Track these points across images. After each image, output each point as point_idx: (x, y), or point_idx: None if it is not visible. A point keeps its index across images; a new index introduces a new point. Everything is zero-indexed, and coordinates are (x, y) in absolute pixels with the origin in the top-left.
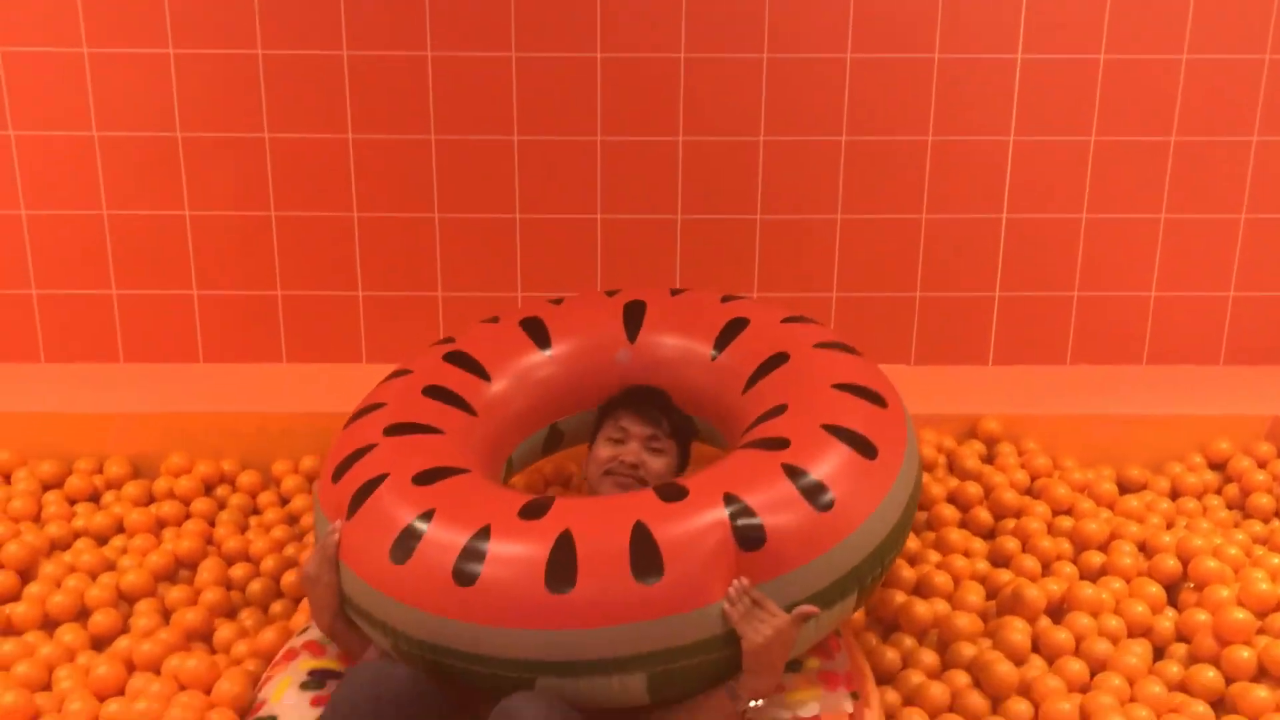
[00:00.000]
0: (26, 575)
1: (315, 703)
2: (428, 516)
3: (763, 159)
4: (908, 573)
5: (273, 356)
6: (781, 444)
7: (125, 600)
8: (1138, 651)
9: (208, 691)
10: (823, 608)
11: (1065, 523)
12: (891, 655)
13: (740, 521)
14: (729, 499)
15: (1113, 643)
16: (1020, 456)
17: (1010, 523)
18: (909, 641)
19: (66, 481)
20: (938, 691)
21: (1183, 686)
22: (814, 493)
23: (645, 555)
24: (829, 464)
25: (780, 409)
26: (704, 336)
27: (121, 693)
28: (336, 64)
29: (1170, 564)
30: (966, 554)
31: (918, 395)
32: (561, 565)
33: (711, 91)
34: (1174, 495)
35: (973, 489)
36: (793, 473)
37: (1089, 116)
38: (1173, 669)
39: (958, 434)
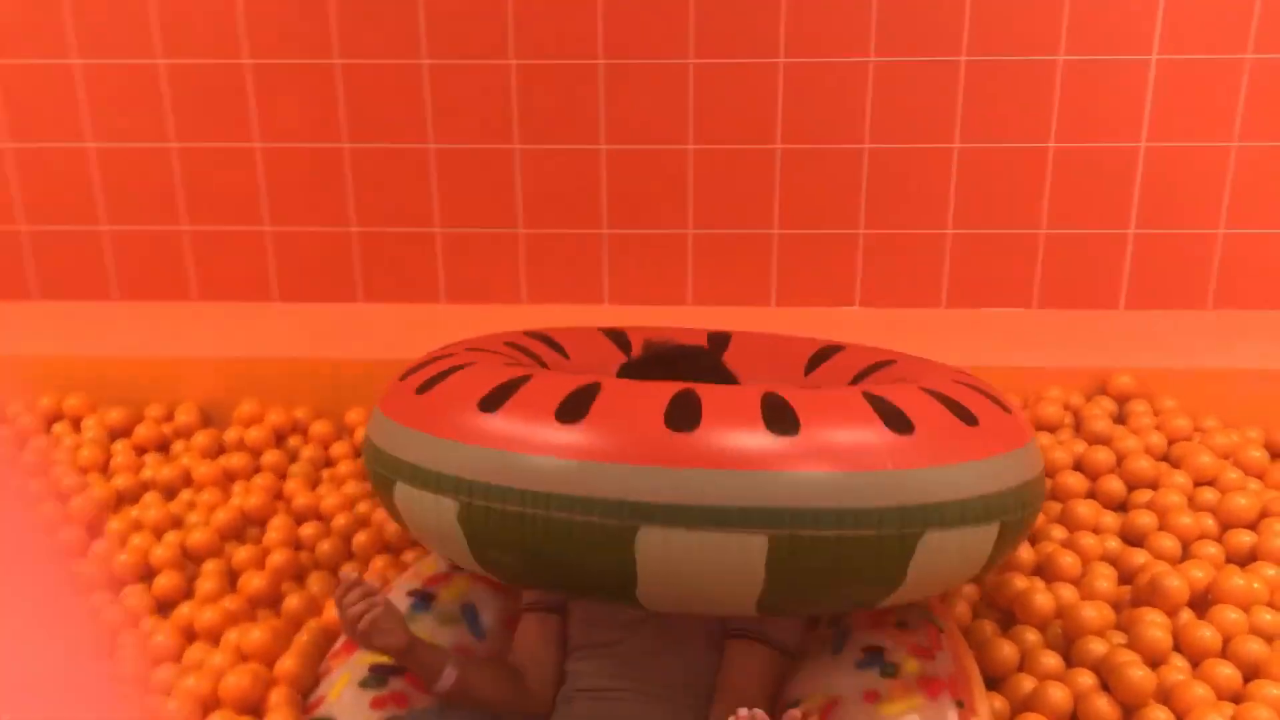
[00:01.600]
0: (93, 530)
1: (375, 704)
2: (523, 380)
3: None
4: (1027, 554)
5: (348, 296)
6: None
7: (191, 560)
8: None
9: (270, 665)
10: (963, 526)
11: (1208, 495)
12: (1008, 650)
13: (880, 403)
14: (868, 396)
15: (1267, 642)
16: (1156, 417)
17: (1145, 494)
18: (1030, 635)
19: (135, 430)
20: (1059, 696)
21: None
22: (957, 409)
23: (777, 410)
24: (971, 400)
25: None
26: (793, 363)
27: (178, 660)
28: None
29: None
30: (1095, 530)
31: (1040, 344)
32: (684, 409)
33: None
34: None
35: (1102, 454)
36: (929, 393)
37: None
38: None
39: (1086, 390)
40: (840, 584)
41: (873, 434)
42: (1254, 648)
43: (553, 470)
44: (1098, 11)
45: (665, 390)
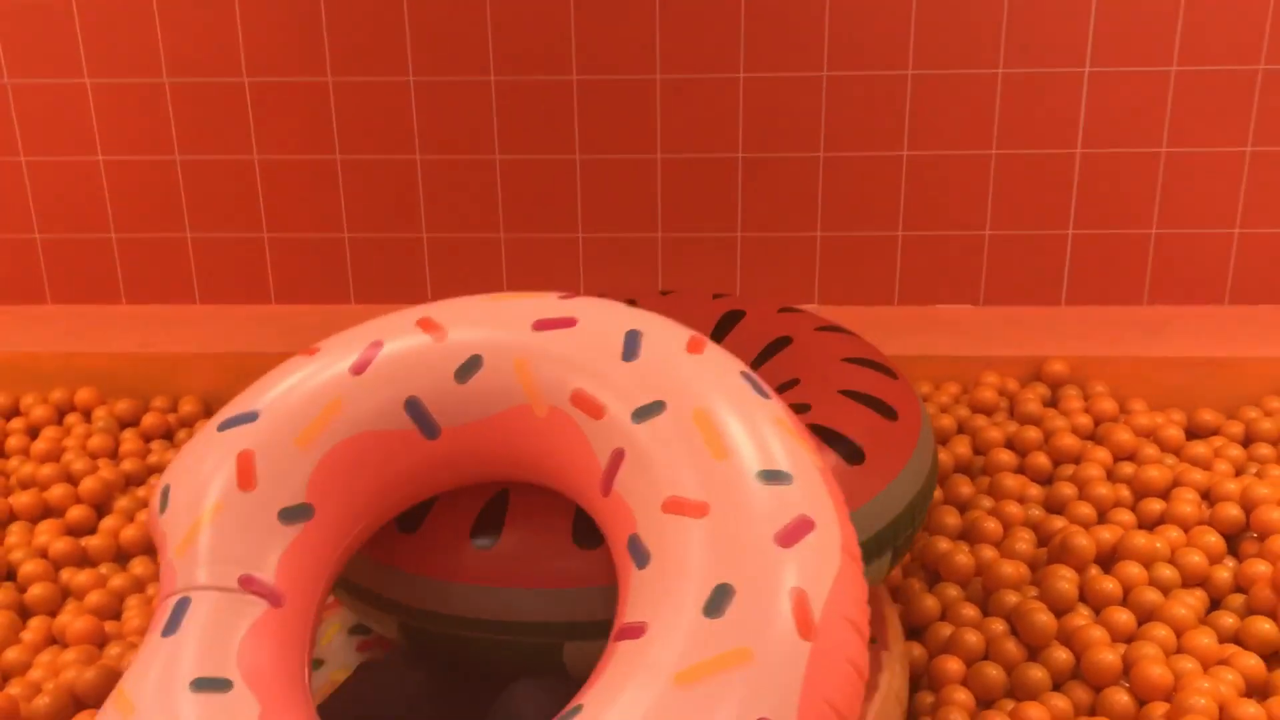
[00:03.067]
0: (102, 510)
1: (361, 647)
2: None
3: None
4: (955, 519)
5: (341, 298)
6: (802, 409)
7: None
8: (1189, 602)
9: None
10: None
11: (1127, 469)
12: (930, 603)
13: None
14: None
15: (1164, 593)
16: (1086, 400)
17: (1069, 469)
18: (951, 591)
19: (142, 419)
20: (973, 640)
21: (1236, 639)
22: (836, 441)
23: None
24: (854, 423)
25: (793, 382)
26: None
27: None
28: (396, 10)
29: (1234, 512)
30: (1021, 500)
31: (984, 336)
32: (589, 522)
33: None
34: (1246, 442)
35: (1032, 433)
36: (818, 430)
37: (1170, 46)
38: (1227, 620)
39: (1022, 376)
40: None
41: None
42: (1150, 597)
43: (476, 599)
44: (1119, 19)
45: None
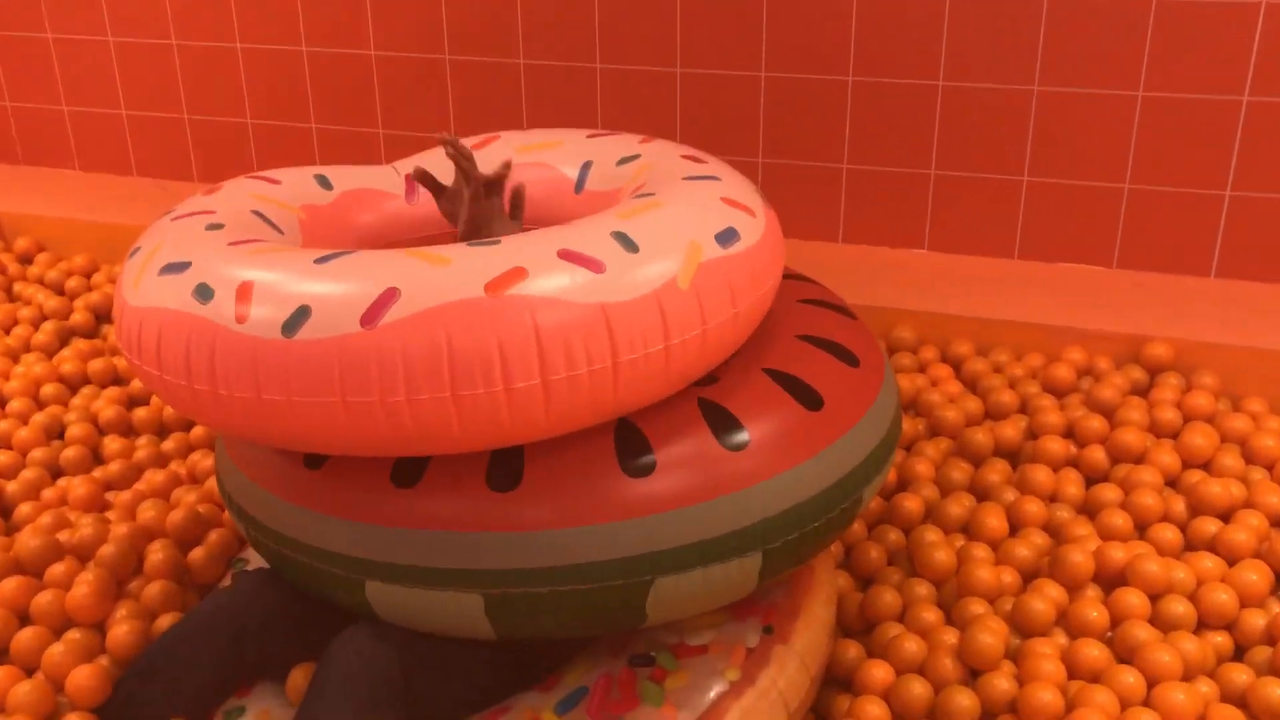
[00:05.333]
0: None
1: None
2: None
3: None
4: (961, 509)
5: None
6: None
7: None
8: (1185, 648)
9: None
10: (705, 567)
11: (1192, 477)
12: (890, 599)
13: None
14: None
15: (1164, 631)
16: (1186, 393)
17: (1124, 469)
18: (920, 589)
19: None
20: (911, 649)
21: (1242, 701)
22: (718, 416)
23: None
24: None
25: None
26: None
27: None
28: None
29: None
30: (1050, 499)
31: (1093, 304)
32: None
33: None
34: None
35: (1096, 424)
36: (704, 387)
37: None
38: (1239, 677)
39: (1119, 355)
40: (571, 626)
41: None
42: (1138, 634)
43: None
44: None
45: None
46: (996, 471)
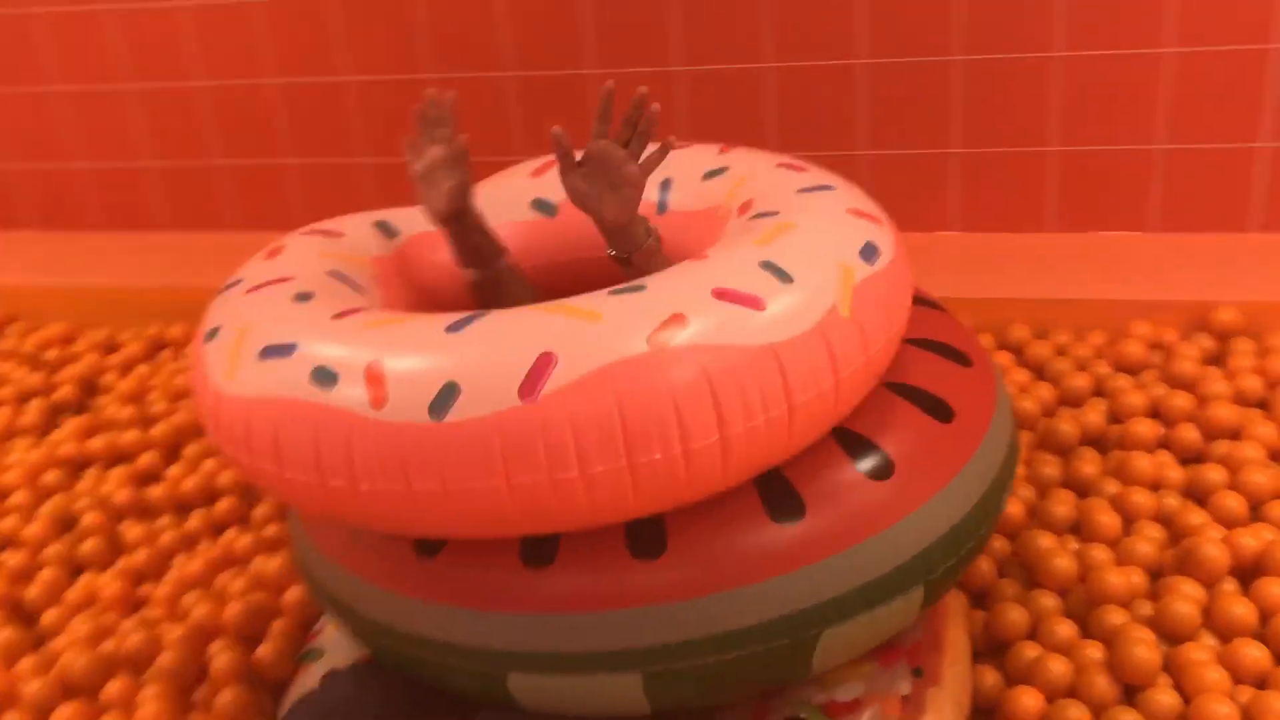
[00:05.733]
0: (170, 456)
1: None
2: None
3: None
4: (1068, 508)
5: None
6: None
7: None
8: None
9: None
10: (874, 606)
11: None
12: (1018, 616)
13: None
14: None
15: None
16: (1262, 358)
17: (1223, 446)
18: (1048, 601)
19: None
20: (1058, 670)
21: None
22: (865, 450)
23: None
24: (882, 420)
25: None
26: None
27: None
28: None
29: None
30: (1155, 487)
31: (1145, 272)
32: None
33: None
34: None
35: (1181, 400)
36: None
37: None
38: None
39: (1183, 325)
40: (733, 692)
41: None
42: None
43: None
44: None
45: None
46: (1089, 462)
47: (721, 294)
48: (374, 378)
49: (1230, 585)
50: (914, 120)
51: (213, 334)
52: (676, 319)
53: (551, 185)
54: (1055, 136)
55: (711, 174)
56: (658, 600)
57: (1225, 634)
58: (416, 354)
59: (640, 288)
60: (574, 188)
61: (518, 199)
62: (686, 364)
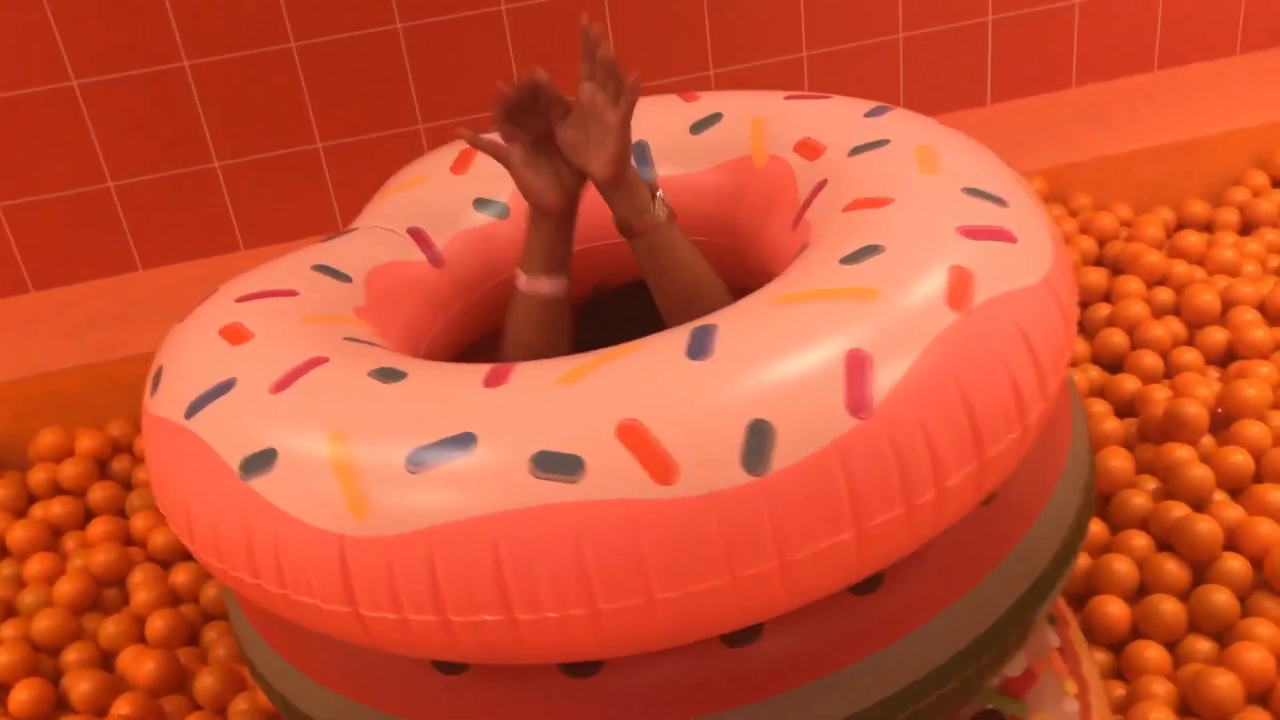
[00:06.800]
0: None
1: None
2: None
3: None
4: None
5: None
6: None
7: (47, 653)
8: None
9: None
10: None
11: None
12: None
13: None
14: None
15: None
16: (1074, 218)
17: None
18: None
19: None
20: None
21: None
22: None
23: None
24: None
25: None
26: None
27: None
28: None
29: None
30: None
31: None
32: None
33: None
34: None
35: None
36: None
37: None
38: None
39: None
40: None
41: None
42: None
43: None
44: None
45: None
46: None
47: (971, 232)
48: (642, 443)
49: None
50: None
51: (257, 463)
52: (960, 276)
53: (488, 180)
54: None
55: (703, 124)
56: (750, 699)
57: None
58: (681, 399)
59: (875, 249)
60: (564, 139)
61: (451, 203)
62: (996, 320)
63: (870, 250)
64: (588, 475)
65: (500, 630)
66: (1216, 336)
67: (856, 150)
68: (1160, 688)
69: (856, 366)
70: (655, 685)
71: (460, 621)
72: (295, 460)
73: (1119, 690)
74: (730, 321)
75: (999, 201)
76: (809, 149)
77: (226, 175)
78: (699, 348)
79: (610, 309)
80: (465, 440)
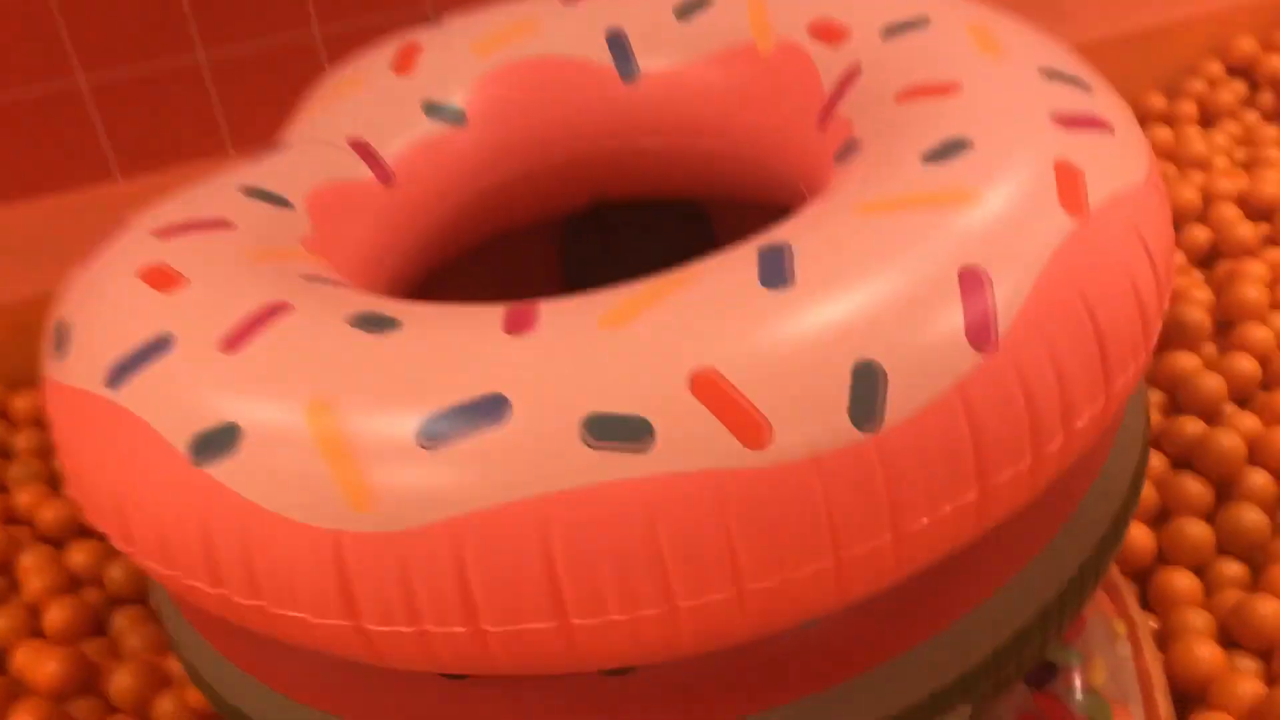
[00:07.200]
0: None
1: None
2: None
3: None
4: None
5: None
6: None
7: None
8: None
9: None
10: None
11: None
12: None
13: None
14: None
15: None
16: None
17: None
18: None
19: None
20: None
21: None
22: None
23: None
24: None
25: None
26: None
27: None
28: None
29: None
30: None
31: None
32: None
33: None
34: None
35: None
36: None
37: None
38: None
39: None
40: None
41: None
42: None
43: None
44: None
45: None
46: None
47: (1066, 120)
48: (724, 398)
49: None
50: None
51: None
52: (1070, 173)
53: (438, 80)
54: None
55: (689, 9)
56: (792, 696)
57: None
58: (766, 340)
59: (962, 143)
60: None
61: (396, 109)
62: (1116, 225)
63: (956, 146)
64: (658, 442)
65: (550, 639)
66: (1199, 235)
67: (892, 30)
68: (1199, 619)
69: (974, 288)
70: (691, 681)
71: (498, 632)
72: (266, 438)
73: (1152, 624)
74: (806, 239)
75: (1083, 86)
76: (827, 30)
77: (95, 94)
78: (774, 273)
79: (612, 227)
80: (495, 404)
